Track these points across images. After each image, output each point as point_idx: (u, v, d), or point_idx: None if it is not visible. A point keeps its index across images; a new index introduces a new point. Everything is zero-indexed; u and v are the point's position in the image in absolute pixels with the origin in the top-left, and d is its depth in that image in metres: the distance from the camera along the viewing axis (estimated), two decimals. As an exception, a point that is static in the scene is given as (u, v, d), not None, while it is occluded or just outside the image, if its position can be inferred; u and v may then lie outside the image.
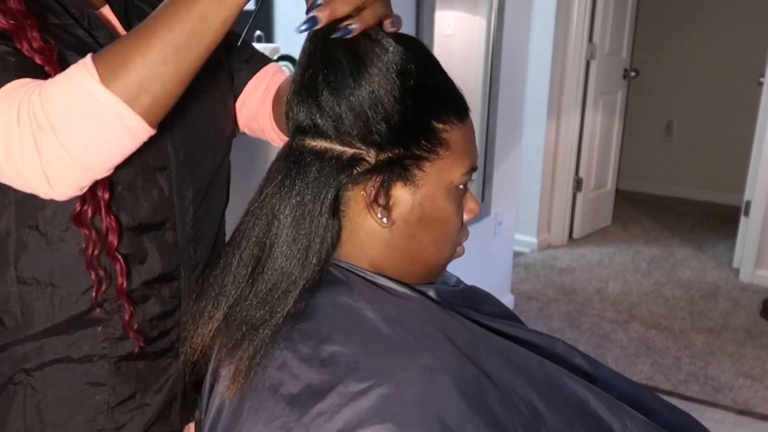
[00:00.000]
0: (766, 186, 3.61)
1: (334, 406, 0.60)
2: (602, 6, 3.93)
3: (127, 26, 0.87)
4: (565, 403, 0.70)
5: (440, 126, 0.68)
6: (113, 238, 0.81)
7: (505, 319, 0.81)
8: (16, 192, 0.76)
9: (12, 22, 0.74)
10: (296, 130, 0.70)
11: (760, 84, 3.72)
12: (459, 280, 0.84)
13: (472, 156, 0.72)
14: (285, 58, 2.47)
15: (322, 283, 0.69)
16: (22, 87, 0.69)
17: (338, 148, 0.67)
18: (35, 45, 0.75)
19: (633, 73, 4.42)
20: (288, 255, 0.68)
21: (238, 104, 1.04)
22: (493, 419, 0.63)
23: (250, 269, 0.70)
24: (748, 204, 3.74)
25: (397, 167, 0.67)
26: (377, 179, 0.67)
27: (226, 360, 0.69)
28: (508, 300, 3.30)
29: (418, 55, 0.68)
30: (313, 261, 0.68)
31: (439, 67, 0.71)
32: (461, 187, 0.72)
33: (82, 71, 0.67)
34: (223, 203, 1.00)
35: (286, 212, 0.68)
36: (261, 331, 0.67)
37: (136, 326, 0.86)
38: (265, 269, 0.69)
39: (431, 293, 0.74)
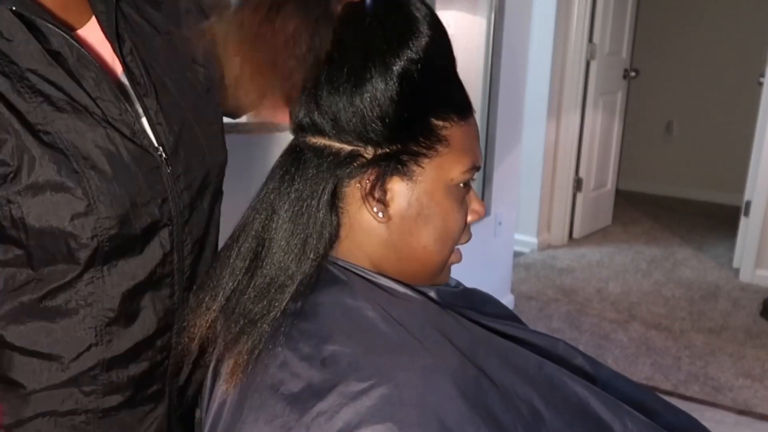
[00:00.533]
0: (766, 186, 3.61)
1: (335, 405, 0.60)
2: (602, 6, 3.93)
3: (117, 43, 0.80)
4: (566, 404, 0.70)
5: (440, 123, 0.68)
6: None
7: (506, 319, 0.81)
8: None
9: None
10: (297, 128, 0.70)
11: (760, 84, 3.72)
12: (459, 282, 0.84)
13: (474, 154, 0.71)
14: (285, 57, 2.47)
15: (323, 282, 0.70)
16: None
17: (336, 145, 0.67)
18: None
19: (633, 73, 4.41)
20: (285, 249, 0.68)
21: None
22: (493, 420, 0.63)
23: (247, 262, 0.71)
24: (748, 204, 3.74)
25: (394, 161, 0.67)
26: (372, 172, 0.67)
27: (225, 355, 0.70)
28: (508, 300, 3.30)
29: (425, 49, 0.65)
30: (311, 256, 0.68)
31: (444, 62, 0.69)
32: (462, 185, 0.71)
33: None
34: (216, 238, 0.96)
35: (285, 207, 0.69)
36: (259, 325, 0.67)
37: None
38: (264, 263, 0.69)
39: (432, 294, 0.74)
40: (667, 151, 5.29)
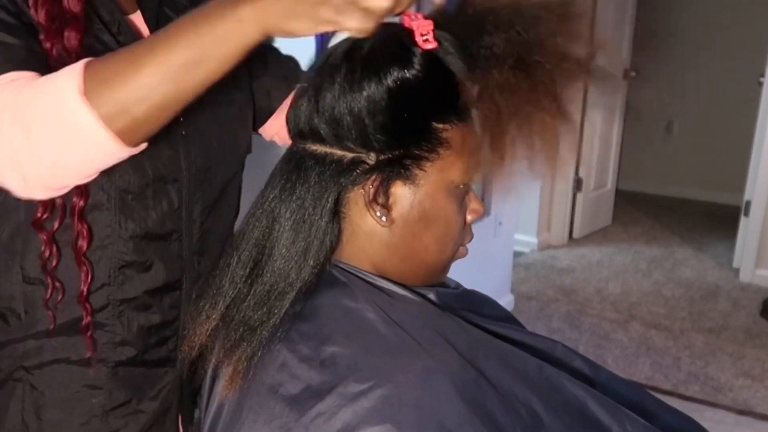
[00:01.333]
0: (766, 186, 3.61)
1: (334, 406, 0.60)
2: (602, 6, 3.93)
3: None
4: (565, 407, 0.70)
5: (440, 126, 0.68)
6: (83, 243, 0.80)
7: (505, 322, 0.81)
8: None
9: (51, 22, 0.73)
10: (297, 135, 0.70)
11: (760, 84, 3.72)
12: (458, 284, 0.84)
13: (475, 156, 0.71)
14: (285, 58, 2.47)
15: (323, 284, 0.70)
16: (12, 82, 0.68)
17: (338, 152, 0.68)
18: (69, 45, 0.74)
19: (633, 73, 4.41)
20: (286, 257, 0.69)
21: (272, 118, 1.05)
22: (492, 422, 0.63)
23: (248, 270, 0.71)
24: (748, 204, 3.74)
25: (396, 166, 0.68)
26: (376, 178, 0.67)
27: (225, 361, 0.70)
28: (508, 300, 3.30)
29: (420, 70, 0.66)
30: (311, 263, 0.68)
31: (443, 74, 0.68)
32: (462, 186, 0.71)
33: (70, 76, 0.65)
34: (232, 218, 0.99)
35: (287, 215, 0.69)
36: (258, 332, 0.68)
37: (90, 336, 0.85)
38: (264, 271, 0.70)
39: (431, 296, 0.74)
40: (667, 151, 5.29)
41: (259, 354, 0.67)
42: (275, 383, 0.65)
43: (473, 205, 0.76)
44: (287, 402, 0.63)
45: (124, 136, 0.66)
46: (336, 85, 0.66)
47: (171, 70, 0.64)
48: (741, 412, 2.53)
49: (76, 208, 0.79)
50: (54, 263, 0.81)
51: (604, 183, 4.45)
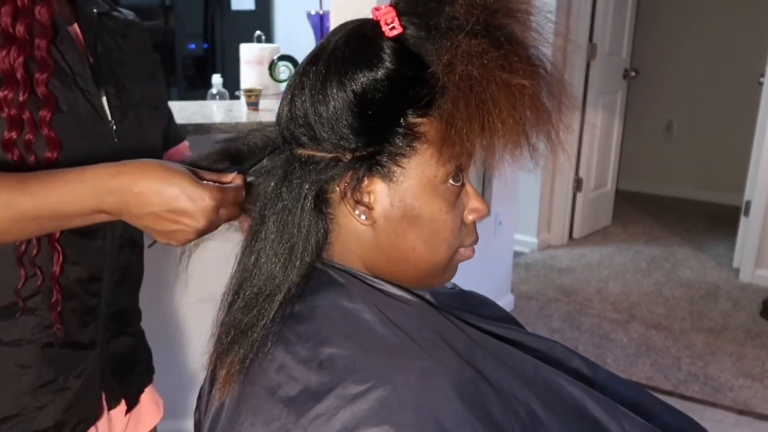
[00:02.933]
0: (766, 186, 3.61)
1: (332, 408, 0.60)
2: (602, 6, 3.93)
3: (93, 50, 0.97)
4: (563, 407, 0.70)
5: (417, 120, 0.66)
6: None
7: (503, 322, 0.81)
8: None
9: (28, 34, 0.85)
10: (283, 141, 0.72)
11: (760, 84, 3.72)
12: (454, 285, 0.84)
13: (455, 147, 0.67)
14: (285, 58, 2.47)
15: (320, 285, 0.70)
16: None
17: (318, 154, 0.68)
18: (40, 54, 0.86)
19: (633, 73, 4.41)
20: (272, 258, 0.69)
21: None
22: (491, 422, 0.63)
23: (237, 275, 0.72)
24: (748, 204, 3.74)
25: (367, 163, 0.67)
26: (351, 176, 0.67)
27: (218, 364, 0.70)
28: (508, 300, 3.30)
29: (386, 74, 0.65)
30: (297, 263, 0.68)
31: (413, 72, 0.66)
32: (453, 183, 0.69)
33: None
34: None
35: (273, 218, 0.70)
36: (250, 334, 0.68)
37: (59, 312, 0.94)
38: (252, 274, 0.70)
39: (428, 297, 0.74)
40: (667, 151, 5.29)
41: (252, 356, 0.67)
42: (274, 385, 0.64)
43: (473, 203, 0.72)
44: (285, 404, 0.63)
45: None
46: (306, 90, 0.67)
47: (35, 216, 0.79)
48: (741, 412, 2.53)
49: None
50: (34, 252, 0.90)
51: (604, 183, 4.45)
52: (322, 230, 0.69)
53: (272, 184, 0.71)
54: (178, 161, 0.88)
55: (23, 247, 0.89)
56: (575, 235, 4.31)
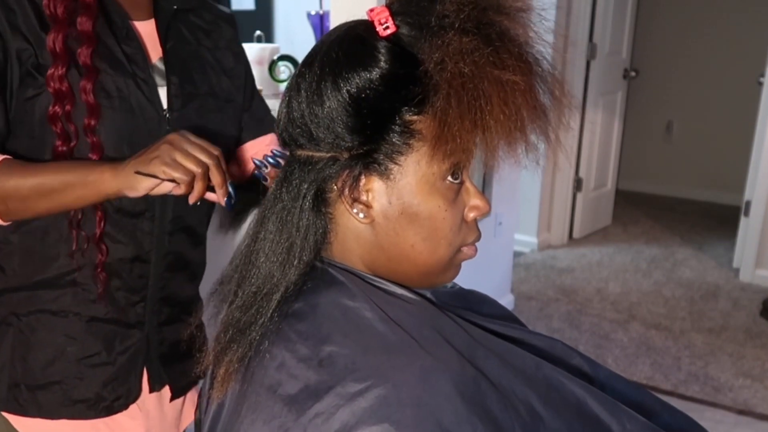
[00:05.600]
0: (766, 186, 3.61)
1: (332, 406, 0.60)
2: (602, 6, 3.93)
3: (164, 41, 1.03)
4: (564, 405, 0.70)
5: (412, 118, 0.66)
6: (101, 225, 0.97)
7: (504, 320, 0.81)
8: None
9: (68, 14, 0.92)
10: (282, 143, 0.72)
11: (760, 84, 3.72)
12: (454, 283, 0.84)
13: (451, 144, 0.66)
14: (285, 58, 2.47)
15: (321, 284, 0.70)
16: None
17: (317, 154, 0.68)
18: (82, 28, 0.93)
19: (633, 73, 4.41)
20: (270, 257, 0.69)
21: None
22: (491, 420, 0.63)
23: (237, 275, 0.72)
24: (748, 204, 3.74)
25: (364, 160, 0.67)
26: (348, 174, 0.68)
27: (217, 363, 0.70)
28: (508, 300, 3.30)
29: (381, 75, 0.65)
30: (295, 262, 0.69)
31: (406, 71, 0.66)
32: (452, 181, 0.69)
33: None
34: (206, 207, 1.10)
35: (272, 219, 0.70)
36: (248, 333, 0.68)
37: (102, 291, 1.01)
38: (250, 273, 0.70)
39: (429, 295, 0.74)
40: (667, 151, 5.29)
41: (250, 355, 0.67)
42: (274, 383, 0.64)
43: (474, 201, 0.72)
44: (285, 402, 0.63)
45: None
46: (302, 91, 0.68)
47: (46, 191, 0.89)
48: (741, 412, 2.53)
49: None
50: (79, 216, 0.98)
51: (604, 183, 4.45)
52: (320, 229, 0.70)
53: (273, 187, 0.72)
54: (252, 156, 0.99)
55: (73, 215, 0.96)
56: (575, 235, 4.31)
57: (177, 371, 1.12)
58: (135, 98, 0.98)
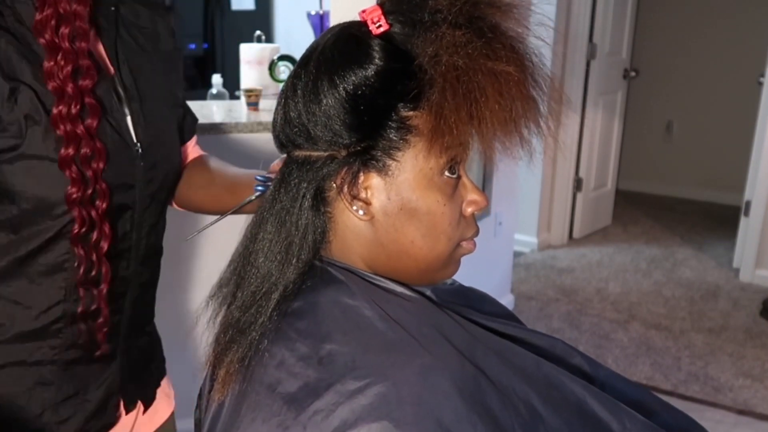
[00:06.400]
0: (766, 186, 3.61)
1: (331, 404, 0.60)
2: (602, 6, 3.93)
3: (114, 58, 0.95)
4: (564, 403, 0.70)
5: (409, 113, 0.67)
6: (104, 244, 0.92)
7: (504, 318, 0.81)
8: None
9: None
10: (279, 146, 0.73)
11: (760, 84, 3.72)
12: (454, 281, 0.84)
13: (447, 138, 0.67)
14: (285, 58, 2.47)
15: (321, 282, 0.70)
16: None
17: (315, 154, 0.69)
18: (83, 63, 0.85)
19: (633, 73, 4.42)
20: (269, 257, 0.70)
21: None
22: (491, 418, 0.63)
23: (235, 276, 0.72)
24: (748, 204, 3.74)
25: (362, 157, 0.67)
26: (347, 171, 0.68)
27: (217, 364, 0.70)
28: (508, 300, 3.30)
29: (376, 72, 0.66)
30: (294, 261, 0.69)
31: (401, 66, 0.66)
32: (449, 175, 0.69)
33: None
34: (162, 229, 1.09)
35: (270, 220, 0.70)
36: (248, 333, 0.68)
37: (103, 326, 0.97)
38: (249, 273, 0.71)
39: (428, 293, 0.74)
40: (667, 151, 5.29)
41: (250, 356, 0.67)
42: (273, 381, 0.65)
43: (471, 195, 0.72)
44: (285, 400, 0.63)
45: None
46: (298, 92, 0.68)
47: None
48: (741, 412, 2.53)
49: (99, 211, 0.90)
50: (93, 273, 0.93)
51: (604, 183, 4.45)
52: (319, 229, 0.70)
53: (270, 187, 0.73)
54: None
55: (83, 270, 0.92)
56: (575, 235, 4.31)
57: (144, 386, 1.12)
58: (111, 140, 0.91)
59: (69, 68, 0.83)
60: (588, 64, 4.00)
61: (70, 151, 0.84)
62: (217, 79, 2.61)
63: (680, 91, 5.12)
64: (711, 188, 5.17)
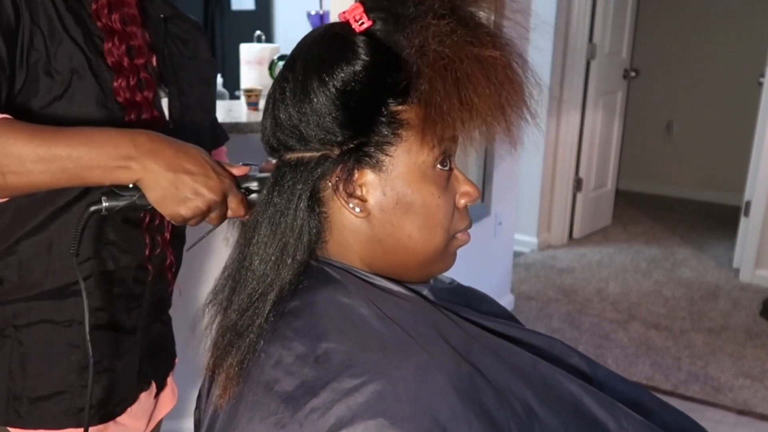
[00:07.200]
0: (766, 186, 3.61)
1: (328, 402, 0.61)
2: (602, 6, 3.93)
3: (159, 52, 1.03)
4: (560, 403, 0.70)
5: (399, 108, 0.67)
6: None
7: (502, 318, 0.81)
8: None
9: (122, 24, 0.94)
10: (270, 151, 0.73)
11: (760, 84, 3.72)
12: (453, 280, 0.84)
13: (438, 130, 0.68)
14: (285, 58, 2.47)
15: (318, 282, 0.70)
16: None
17: (307, 154, 0.69)
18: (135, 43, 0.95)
19: (633, 73, 4.42)
20: (264, 258, 0.70)
21: None
22: (487, 417, 0.63)
23: (230, 281, 0.73)
24: (748, 204, 3.74)
25: (357, 154, 0.68)
26: (341, 169, 0.68)
27: (216, 368, 0.71)
28: (508, 300, 3.30)
29: (363, 67, 0.67)
30: (289, 261, 0.69)
31: (388, 61, 0.67)
32: (442, 168, 0.70)
33: None
34: None
35: (265, 223, 0.71)
36: (246, 336, 0.69)
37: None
38: (245, 276, 0.71)
39: (425, 292, 0.74)
40: (667, 151, 5.29)
41: (249, 358, 0.68)
42: (271, 380, 0.65)
43: (464, 187, 0.73)
44: (282, 398, 0.63)
45: None
46: (287, 94, 0.69)
47: (53, 168, 0.79)
48: (741, 412, 2.53)
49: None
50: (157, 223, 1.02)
51: (604, 183, 4.45)
52: (314, 229, 0.70)
53: (264, 191, 0.73)
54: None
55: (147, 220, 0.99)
56: (575, 235, 4.31)
57: (160, 368, 1.16)
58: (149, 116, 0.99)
59: (123, 47, 0.93)
60: (588, 64, 4.00)
61: (132, 117, 0.93)
62: (217, 79, 2.61)
63: (680, 91, 5.13)
64: (711, 188, 5.17)
